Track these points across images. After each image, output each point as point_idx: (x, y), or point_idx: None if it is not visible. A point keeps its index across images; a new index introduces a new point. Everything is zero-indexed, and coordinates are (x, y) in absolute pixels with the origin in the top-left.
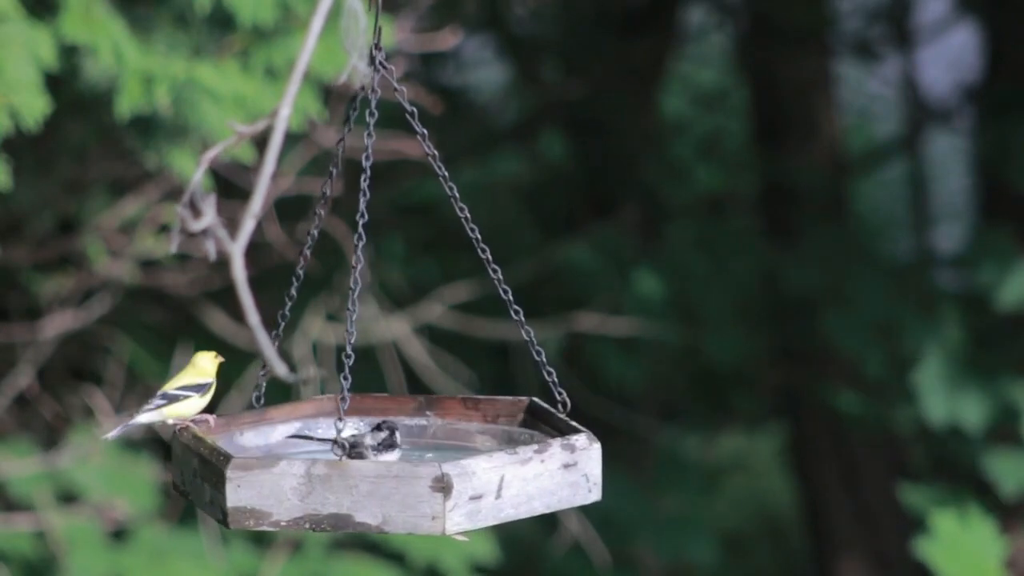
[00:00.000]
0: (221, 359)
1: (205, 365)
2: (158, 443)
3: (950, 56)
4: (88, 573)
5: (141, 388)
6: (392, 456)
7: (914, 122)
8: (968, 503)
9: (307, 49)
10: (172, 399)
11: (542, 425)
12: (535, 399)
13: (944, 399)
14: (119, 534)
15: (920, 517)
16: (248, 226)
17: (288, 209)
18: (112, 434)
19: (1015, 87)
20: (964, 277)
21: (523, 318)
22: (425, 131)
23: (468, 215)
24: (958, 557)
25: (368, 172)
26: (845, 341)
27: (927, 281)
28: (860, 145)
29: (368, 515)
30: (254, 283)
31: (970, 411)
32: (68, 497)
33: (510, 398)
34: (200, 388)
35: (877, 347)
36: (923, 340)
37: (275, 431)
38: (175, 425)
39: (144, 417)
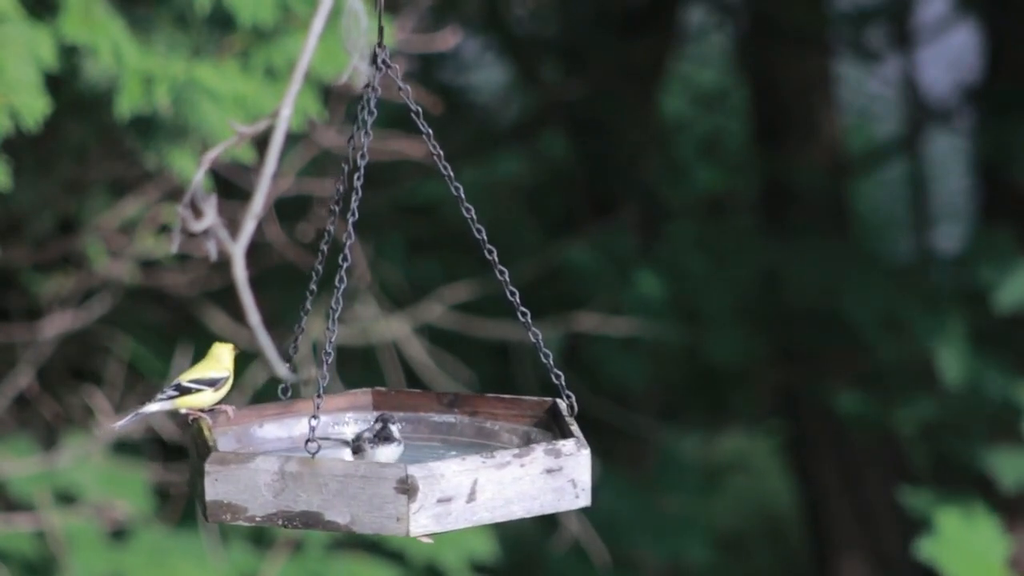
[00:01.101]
0: (237, 350)
1: (223, 357)
2: (158, 443)
3: (950, 56)
4: (88, 573)
5: (141, 388)
6: (389, 449)
7: (914, 122)
8: (971, 502)
9: (308, 49)
10: (184, 391)
11: (555, 428)
12: (559, 400)
13: (962, 368)
14: (119, 534)
15: (920, 518)
16: (249, 226)
17: (288, 209)
18: (121, 423)
19: (1015, 87)
20: (964, 277)
21: (530, 320)
22: (430, 131)
23: (474, 215)
24: (962, 556)
25: (362, 171)
26: (864, 326)
27: (927, 281)
28: (860, 145)
29: (337, 514)
30: (254, 283)
31: (990, 384)
32: (68, 497)
33: (535, 399)
34: (215, 382)
35: (883, 341)
36: (923, 340)
37: (299, 423)
38: (188, 414)
39: (155, 406)
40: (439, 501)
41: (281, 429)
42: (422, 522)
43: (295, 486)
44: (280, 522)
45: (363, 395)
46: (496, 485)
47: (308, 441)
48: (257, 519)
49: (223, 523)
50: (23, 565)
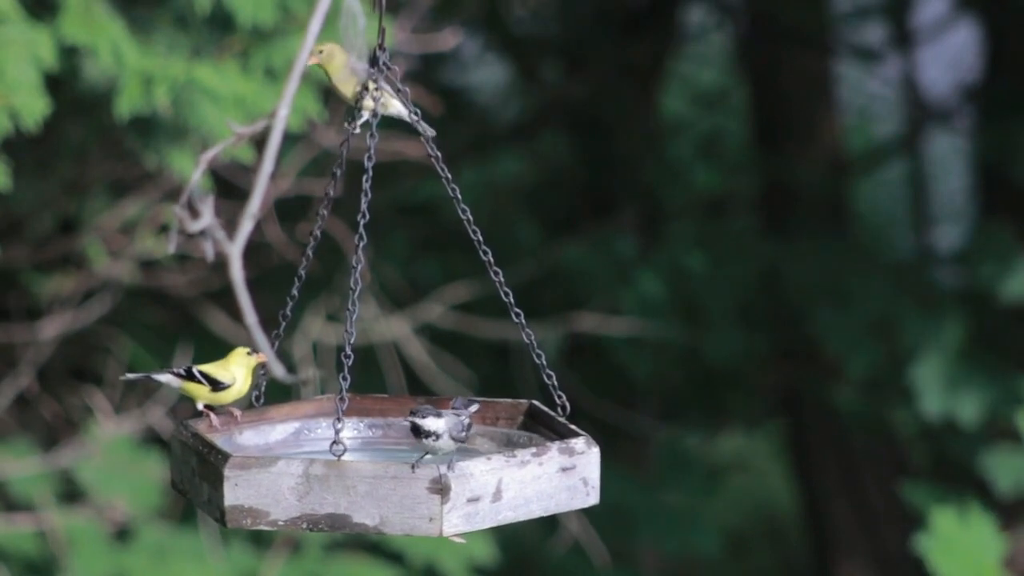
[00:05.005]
0: (254, 356)
1: (232, 364)
2: (163, 442)
3: (950, 56)
4: (89, 573)
5: (141, 388)
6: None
7: (914, 122)
8: (968, 501)
9: (306, 49)
10: (190, 377)
11: (542, 428)
12: (535, 402)
13: (941, 395)
14: (121, 534)
15: (921, 515)
16: (246, 227)
17: (288, 209)
18: (131, 377)
19: (1015, 87)
20: (964, 274)
21: (524, 320)
22: (431, 132)
23: (470, 217)
24: (957, 555)
25: (370, 172)
26: (835, 342)
27: (927, 280)
28: (860, 145)
29: (365, 516)
30: (253, 284)
31: (967, 407)
32: (72, 496)
33: (510, 400)
34: (217, 384)
35: (870, 347)
36: (923, 339)
37: (274, 430)
38: (203, 409)
39: (164, 376)
40: (469, 500)
41: (257, 436)
42: (453, 521)
43: (321, 489)
44: (304, 526)
45: (328, 401)
46: (518, 484)
47: (333, 443)
48: (280, 523)
49: (244, 528)
50: (24, 565)
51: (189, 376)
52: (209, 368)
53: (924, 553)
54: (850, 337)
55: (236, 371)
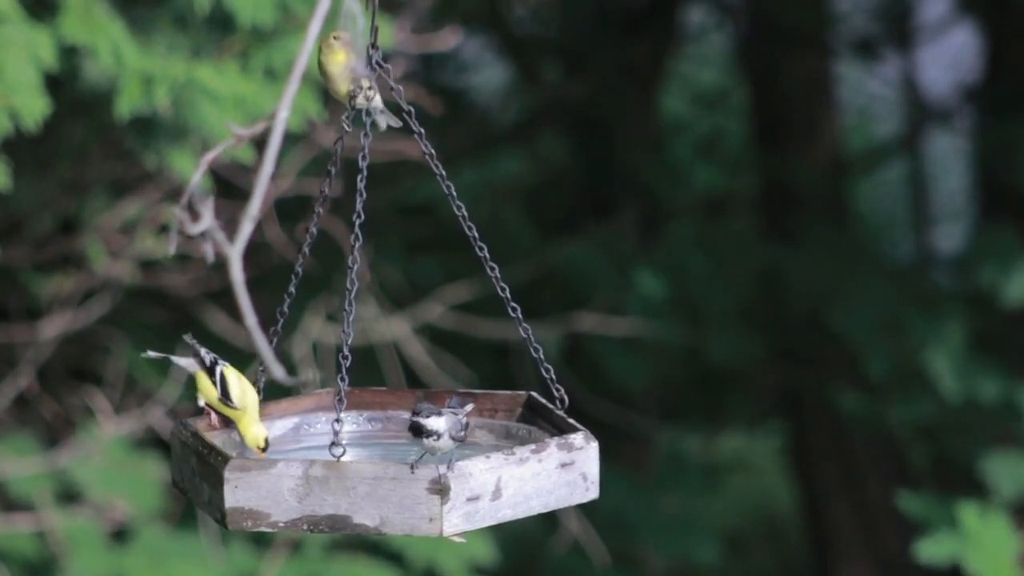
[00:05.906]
0: (262, 447)
1: (253, 401)
2: (162, 443)
3: (950, 56)
4: (88, 573)
5: (141, 388)
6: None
7: (914, 122)
8: (972, 503)
9: (306, 50)
10: (211, 372)
11: (540, 421)
12: (533, 393)
13: (958, 378)
14: (120, 534)
15: (921, 520)
16: (246, 229)
17: (288, 209)
18: (151, 355)
19: (1015, 87)
20: (965, 277)
21: (520, 315)
22: (422, 130)
23: (465, 213)
24: (984, 552)
25: (364, 172)
26: (856, 336)
27: (928, 281)
28: (860, 145)
29: (366, 516)
30: (253, 284)
31: (987, 387)
32: (70, 496)
33: (508, 392)
34: (227, 397)
35: (881, 345)
36: (924, 341)
37: (273, 426)
38: (203, 407)
39: (184, 361)
40: (468, 500)
41: None
42: (454, 521)
43: (321, 490)
44: (305, 527)
45: (327, 395)
46: (518, 482)
47: (333, 444)
48: (281, 525)
49: (244, 530)
50: (23, 565)
51: (211, 371)
52: (232, 378)
53: (953, 551)
54: (863, 335)
55: (250, 411)
